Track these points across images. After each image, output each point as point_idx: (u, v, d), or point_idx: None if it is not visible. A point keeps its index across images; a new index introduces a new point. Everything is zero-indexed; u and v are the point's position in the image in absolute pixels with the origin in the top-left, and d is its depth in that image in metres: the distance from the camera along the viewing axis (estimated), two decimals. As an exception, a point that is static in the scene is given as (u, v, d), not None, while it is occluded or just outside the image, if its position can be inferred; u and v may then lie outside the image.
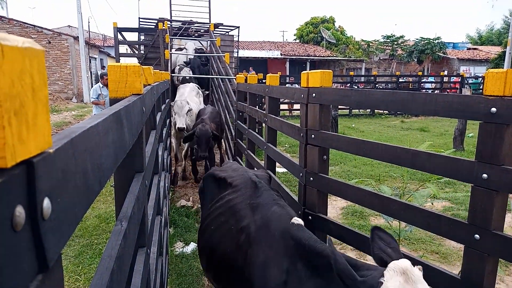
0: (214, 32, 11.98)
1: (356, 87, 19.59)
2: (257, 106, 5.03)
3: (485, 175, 1.59)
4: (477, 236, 1.63)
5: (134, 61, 12.68)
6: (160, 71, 5.17)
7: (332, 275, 1.54)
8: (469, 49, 35.92)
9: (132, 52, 13.74)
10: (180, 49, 10.39)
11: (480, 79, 21.87)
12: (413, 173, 6.75)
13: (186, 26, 12.72)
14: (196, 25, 13.19)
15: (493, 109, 1.56)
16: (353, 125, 14.23)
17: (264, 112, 4.01)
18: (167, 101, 5.56)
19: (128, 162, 1.37)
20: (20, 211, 0.37)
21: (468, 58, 31.44)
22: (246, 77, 5.72)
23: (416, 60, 30.72)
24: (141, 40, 12.81)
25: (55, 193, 0.45)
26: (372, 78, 21.74)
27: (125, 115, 1.03)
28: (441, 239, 4.50)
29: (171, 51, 10.08)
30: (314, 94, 2.60)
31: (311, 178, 2.67)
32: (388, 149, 2.08)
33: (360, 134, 11.97)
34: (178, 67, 10.08)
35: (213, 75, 9.56)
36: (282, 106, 15.82)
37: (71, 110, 16.35)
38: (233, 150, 5.90)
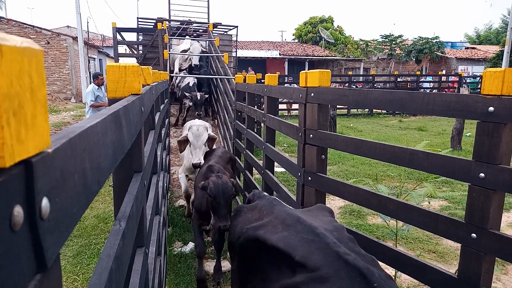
0: (213, 32, 11.97)
1: (354, 86, 19.60)
2: (255, 106, 5.02)
3: (482, 174, 1.59)
4: (474, 235, 1.63)
5: (133, 61, 12.66)
6: (159, 71, 5.17)
7: None
8: (467, 48, 35.97)
9: (131, 52, 13.74)
10: (185, 51, 9.83)
11: (478, 78, 21.92)
12: (410, 173, 6.77)
13: (184, 26, 12.71)
14: (194, 25, 13.19)
15: (491, 108, 1.56)
16: (351, 125, 14.24)
17: (263, 112, 4.01)
18: (166, 101, 5.56)
19: (127, 162, 1.37)
20: (18, 211, 0.37)
21: (466, 58, 31.49)
22: (245, 77, 5.72)
23: (414, 59, 30.75)
24: (140, 40, 12.80)
25: (53, 193, 0.45)
26: (371, 77, 21.76)
27: (124, 115, 1.03)
28: (438, 238, 4.51)
29: (170, 51, 10.05)
30: (312, 94, 2.61)
31: (309, 178, 2.67)
32: (386, 149, 2.09)
33: (358, 134, 11.98)
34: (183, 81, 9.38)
35: (212, 75, 9.55)
36: (281, 106, 15.82)
37: (70, 111, 16.32)
38: (232, 150, 5.90)
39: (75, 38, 21.04)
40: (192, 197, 4.74)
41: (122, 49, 17.69)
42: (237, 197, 5.00)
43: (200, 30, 13.28)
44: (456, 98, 1.74)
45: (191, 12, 13.89)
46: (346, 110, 17.40)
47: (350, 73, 22.14)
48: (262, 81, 9.94)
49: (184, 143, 4.58)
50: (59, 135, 0.53)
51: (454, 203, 5.79)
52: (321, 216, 2.00)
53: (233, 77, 6.63)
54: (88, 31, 30.74)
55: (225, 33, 14.24)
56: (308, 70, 2.70)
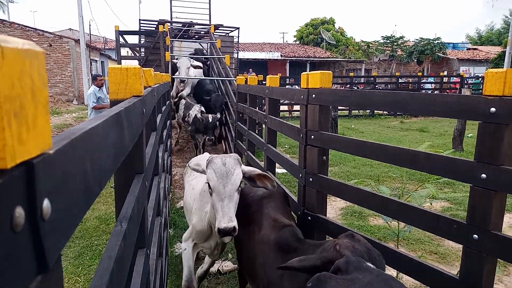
0: (214, 33, 11.99)
1: (356, 88, 19.59)
2: (257, 107, 5.03)
3: (484, 175, 1.59)
4: (475, 236, 1.63)
5: (135, 63, 12.68)
6: (161, 73, 5.18)
7: None
8: (469, 49, 35.92)
9: (133, 55, 13.77)
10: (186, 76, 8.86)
11: (480, 79, 21.87)
12: (412, 174, 6.75)
13: (186, 28, 12.74)
14: (196, 27, 13.21)
15: (493, 109, 1.56)
16: (352, 126, 14.23)
17: (264, 113, 4.01)
18: (167, 103, 5.56)
19: (128, 163, 1.37)
20: (19, 212, 0.37)
21: (468, 58, 31.44)
22: (247, 78, 5.72)
23: (416, 60, 30.73)
24: (142, 42, 12.84)
25: (55, 194, 0.45)
26: (372, 79, 21.74)
27: (126, 117, 1.04)
28: (440, 239, 4.50)
29: (172, 53, 10.07)
30: (314, 95, 2.61)
31: (311, 179, 2.67)
32: (387, 150, 2.09)
33: (359, 135, 11.97)
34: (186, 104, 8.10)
35: (213, 77, 9.56)
36: (282, 107, 15.82)
37: (72, 112, 16.36)
38: (233, 151, 5.90)
39: (77, 41, 21.09)
40: None
41: (124, 51, 17.73)
42: None
43: (202, 32, 13.30)
44: (458, 99, 1.74)
45: (192, 14, 13.92)
46: (348, 111, 17.40)
47: (351, 74, 22.12)
48: (264, 82, 9.92)
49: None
50: (61, 137, 0.53)
51: (455, 204, 5.77)
52: None
53: (235, 78, 6.63)
54: (90, 34, 30.85)
55: (227, 35, 14.26)
56: (310, 71, 2.70)
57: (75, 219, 0.54)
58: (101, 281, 0.74)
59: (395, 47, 32.02)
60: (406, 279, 3.60)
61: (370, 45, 33.08)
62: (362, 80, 24.01)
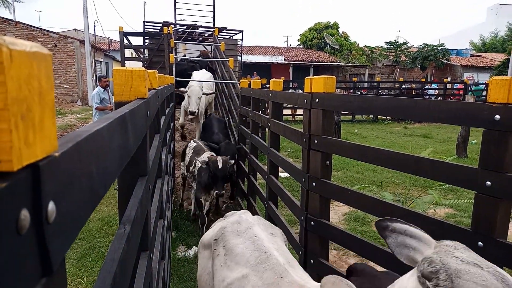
0: (218, 36, 12.03)
1: (359, 93, 19.57)
2: (260, 111, 5.03)
3: (488, 183, 1.58)
4: (480, 243, 1.62)
5: (139, 65, 12.75)
6: (165, 75, 5.20)
7: None
8: (472, 56, 35.84)
9: (137, 56, 13.84)
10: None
11: (484, 86, 21.81)
12: (415, 180, 6.73)
13: (190, 30, 12.79)
14: (200, 29, 13.26)
15: (497, 116, 1.55)
16: (356, 131, 14.20)
17: (267, 117, 4.01)
18: (171, 105, 5.58)
19: (132, 166, 1.37)
20: (25, 214, 0.37)
21: (472, 65, 31.37)
22: (250, 82, 5.73)
23: (419, 66, 30.67)
24: (146, 44, 12.90)
25: (60, 197, 0.45)
26: (375, 84, 21.72)
27: (130, 119, 1.04)
28: (444, 246, 4.46)
29: (176, 55, 10.10)
30: (317, 100, 2.61)
31: (314, 184, 2.67)
32: (390, 155, 2.08)
33: (363, 140, 11.95)
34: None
35: (217, 80, 9.59)
36: (285, 111, 15.83)
37: (76, 113, 16.43)
38: (236, 155, 5.90)
39: (82, 41, 21.22)
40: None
41: (128, 52, 17.81)
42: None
43: (206, 35, 13.36)
44: (462, 106, 1.73)
45: (196, 16, 13.98)
46: (351, 116, 17.37)
47: (355, 79, 22.13)
48: (267, 86, 9.97)
49: None
50: (66, 139, 0.53)
51: (460, 210, 5.74)
52: None
53: (238, 82, 6.64)
54: (95, 35, 31.01)
55: (231, 38, 14.31)
56: (313, 76, 2.70)
57: (80, 221, 0.54)
58: (104, 284, 0.74)
59: (399, 52, 31.99)
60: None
61: (374, 50, 33.06)
62: (366, 85, 23.97)
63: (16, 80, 0.36)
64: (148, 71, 2.03)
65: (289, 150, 10.29)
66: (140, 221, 1.24)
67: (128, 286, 1.03)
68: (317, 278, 2.71)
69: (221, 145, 5.56)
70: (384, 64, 33.03)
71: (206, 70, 9.89)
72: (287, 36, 59.53)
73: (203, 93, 6.57)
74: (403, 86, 20.62)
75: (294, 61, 31.29)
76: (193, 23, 13.61)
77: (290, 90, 15.62)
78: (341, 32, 35.42)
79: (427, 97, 20.00)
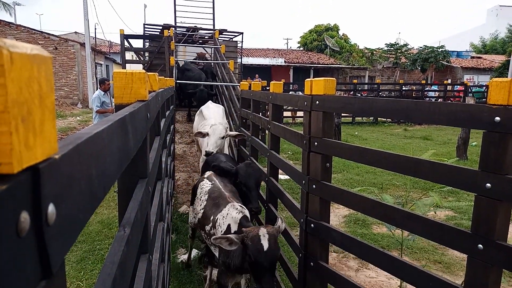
0: (218, 39, 12.04)
1: (359, 95, 19.60)
2: (260, 113, 5.03)
3: (488, 185, 1.58)
4: (480, 246, 1.61)
5: (139, 67, 12.78)
6: (165, 78, 5.20)
7: None
8: (473, 57, 35.87)
9: (137, 59, 13.86)
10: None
11: (484, 87, 21.83)
12: (416, 182, 6.72)
13: (190, 33, 12.81)
14: (200, 31, 13.28)
15: (497, 118, 1.55)
16: (356, 133, 14.21)
17: (268, 119, 4.01)
18: (171, 107, 5.58)
19: (132, 168, 1.37)
20: (25, 217, 0.37)
21: (472, 67, 31.40)
22: (250, 84, 5.73)
23: (419, 68, 30.70)
24: (147, 47, 12.92)
25: (60, 199, 0.45)
26: (376, 86, 21.74)
27: (130, 121, 1.04)
28: (444, 248, 4.47)
29: (176, 58, 10.12)
30: (317, 102, 2.61)
31: (314, 186, 2.66)
32: (391, 157, 2.08)
33: (363, 142, 11.95)
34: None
35: (217, 82, 9.60)
36: (286, 113, 15.83)
37: (76, 116, 16.45)
38: (236, 157, 5.90)
39: (82, 44, 21.27)
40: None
41: (129, 55, 17.87)
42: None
43: (206, 37, 13.37)
44: (462, 108, 1.73)
45: (196, 18, 14.00)
46: (351, 118, 17.39)
47: (355, 81, 22.13)
48: (267, 88, 9.96)
49: None
50: (66, 141, 0.53)
51: (460, 213, 5.74)
52: None
53: (239, 84, 6.65)
54: (95, 37, 31.06)
55: (231, 40, 14.33)
56: (313, 78, 2.70)
57: (80, 224, 0.54)
58: (103, 286, 0.74)
59: (399, 54, 32.03)
60: (409, 288, 3.58)
61: (374, 52, 33.11)
62: (366, 87, 24.01)
63: (17, 83, 0.37)
64: (149, 73, 2.03)
65: (289, 152, 10.29)
66: (140, 224, 1.24)
67: (128, 289, 1.02)
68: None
69: (239, 168, 3.86)
70: (384, 66, 33.07)
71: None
72: (287, 39, 59.52)
73: (227, 135, 5.03)
74: (403, 88, 20.64)
75: (294, 63, 31.35)
76: (193, 25, 13.63)
77: (290, 92, 15.63)
78: (341, 34, 35.48)
79: (427, 99, 20.01)
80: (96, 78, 23.13)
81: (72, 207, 0.50)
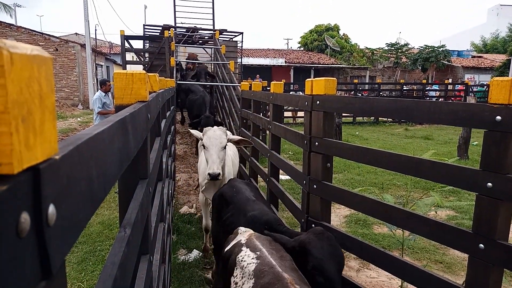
0: (218, 39, 12.05)
1: (360, 94, 19.59)
2: (261, 113, 5.03)
3: (489, 184, 1.58)
4: (481, 245, 1.61)
5: (140, 68, 12.77)
6: (166, 78, 5.20)
7: None
8: (473, 57, 35.83)
9: (138, 60, 13.87)
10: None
11: (485, 87, 21.81)
12: (417, 182, 6.72)
13: (190, 33, 12.82)
14: (200, 32, 13.28)
15: (498, 118, 1.55)
16: (357, 133, 14.19)
17: (268, 119, 4.01)
18: (172, 108, 5.58)
19: (133, 169, 1.37)
20: (25, 218, 0.37)
21: (473, 66, 31.37)
22: (251, 84, 5.74)
23: (420, 68, 30.67)
24: (147, 47, 12.94)
25: (60, 200, 0.45)
26: (376, 86, 21.72)
27: (131, 122, 1.04)
28: (445, 248, 4.46)
29: (176, 59, 10.11)
30: (318, 102, 2.61)
31: (315, 186, 2.66)
32: (392, 157, 2.08)
33: (364, 142, 11.94)
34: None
35: (217, 82, 9.59)
36: (286, 114, 15.82)
37: (77, 117, 16.45)
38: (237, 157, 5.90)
39: (83, 45, 21.28)
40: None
41: (129, 56, 17.86)
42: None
43: (206, 37, 13.38)
44: (463, 107, 1.73)
45: (196, 19, 14.00)
46: (352, 118, 17.37)
47: (355, 81, 22.12)
48: (268, 88, 9.96)
49: None
50: (67, 142, 0.53)
51: (461, 212, 5.73)
52: None
53: (239, 84, 6.65)
54: (96, 39, 31.11)
55: (231, 40, 14.32)
56: (314, 78, 2.70)
57: (80, 225, 0.54)
58: (104, 287, 0.74)
59: (400, 54, 32.00)
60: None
61: (375, 52, 33.09)
62: (367, 87, 24.01)
63: (17, 83, 0.36)
64: (149, 74, 2.03)
65: (290, 152, 10.28)
66: (140, 225, 1.24)
67: (129, 289, 1.02)
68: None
69: (309, 243, 2.29)
70: (385, 66, 33.05)
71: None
72: (287, 39, 59.41)
73: (228, 140, 3.82)
74: (404, 88, 20.63)
75: (295, 63, 31.35)
76: (192, 25, 13.63)
77: (291, 93, 15.63)
78: (341, 34, 35.46)
79: (428, 98, 19.98)
80: (97, 79, 23.16)
81: (73, 208, 0.50)
